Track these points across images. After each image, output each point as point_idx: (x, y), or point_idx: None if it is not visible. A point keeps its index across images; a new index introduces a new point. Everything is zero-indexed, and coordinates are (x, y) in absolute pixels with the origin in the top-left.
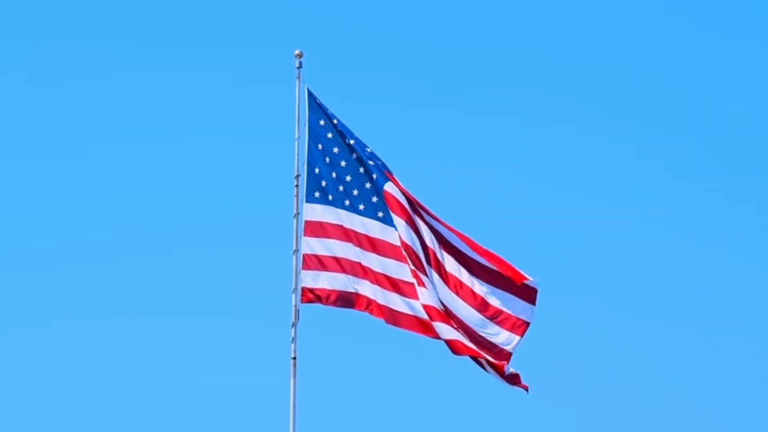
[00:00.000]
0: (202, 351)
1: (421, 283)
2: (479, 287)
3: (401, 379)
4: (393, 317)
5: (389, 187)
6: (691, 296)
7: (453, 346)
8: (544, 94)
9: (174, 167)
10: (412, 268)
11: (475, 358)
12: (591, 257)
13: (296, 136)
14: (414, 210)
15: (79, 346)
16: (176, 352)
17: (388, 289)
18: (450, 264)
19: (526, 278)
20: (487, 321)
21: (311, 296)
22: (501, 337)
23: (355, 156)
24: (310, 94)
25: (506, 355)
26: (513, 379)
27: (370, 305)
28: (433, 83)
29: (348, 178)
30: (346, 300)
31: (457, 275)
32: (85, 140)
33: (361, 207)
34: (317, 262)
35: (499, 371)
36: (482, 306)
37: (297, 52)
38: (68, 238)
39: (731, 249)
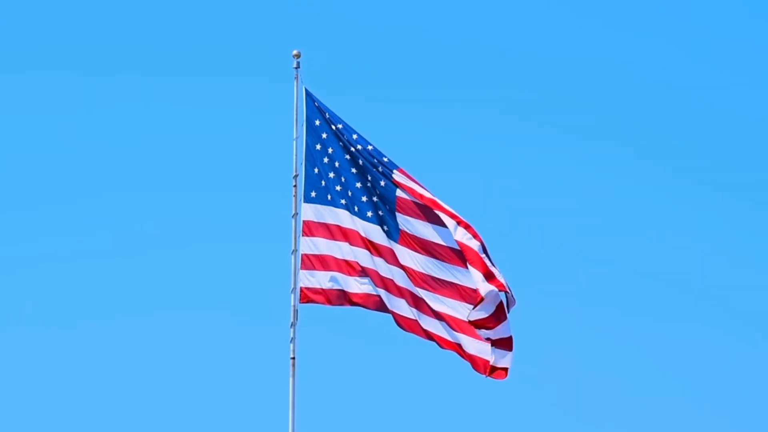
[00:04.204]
0: (201, 351)
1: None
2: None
3: (401, 379)
4: (398, 320)
5: (400, 193)
6: (691, 296)
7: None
8: (544, 94)
9: (172, 168)
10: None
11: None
12: (592, 258)
13: (294, 136)
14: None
15: (79, 345)
16: (175, 352)
17: (395, 294)
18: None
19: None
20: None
21: (310, 296)
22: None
23: (355, 157)
24: (308, 94)
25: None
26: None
27: (373, 303)
28: (432, 82)
29: (343, 179)
30: (345, 299)
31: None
32: (83, 141)
33: (356, 208)
34: (316, 262)
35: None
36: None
37: (295, 52)
38: (67, 237)
39: (732, 249)
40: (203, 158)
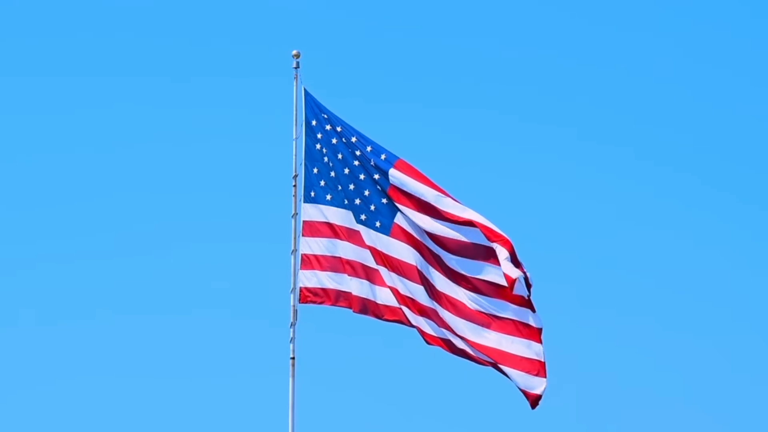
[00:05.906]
0: (201, 351)
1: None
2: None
3: (400, 379)
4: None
5: (392, 192)
6: (691, 296)
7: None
8: (544, 94)
9: (172, 167)
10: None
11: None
12: (592, 258)
13: (294, 137)
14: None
15: (79, 345)
16: (175, 352)
17: (415, 313)
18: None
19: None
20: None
21: (309, 296)
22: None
23: (351, 155)
24: (308, 94)
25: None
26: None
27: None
28: (432, 82)
29: (341, 180)
30: (345, 300)
31: (447, 291)
32: (83, 141)
33: (350, 208)
34: (316, 262)
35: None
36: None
37: (294, 52)
38: (67, 237)
39: (732, 249)
40: (203, 158)
